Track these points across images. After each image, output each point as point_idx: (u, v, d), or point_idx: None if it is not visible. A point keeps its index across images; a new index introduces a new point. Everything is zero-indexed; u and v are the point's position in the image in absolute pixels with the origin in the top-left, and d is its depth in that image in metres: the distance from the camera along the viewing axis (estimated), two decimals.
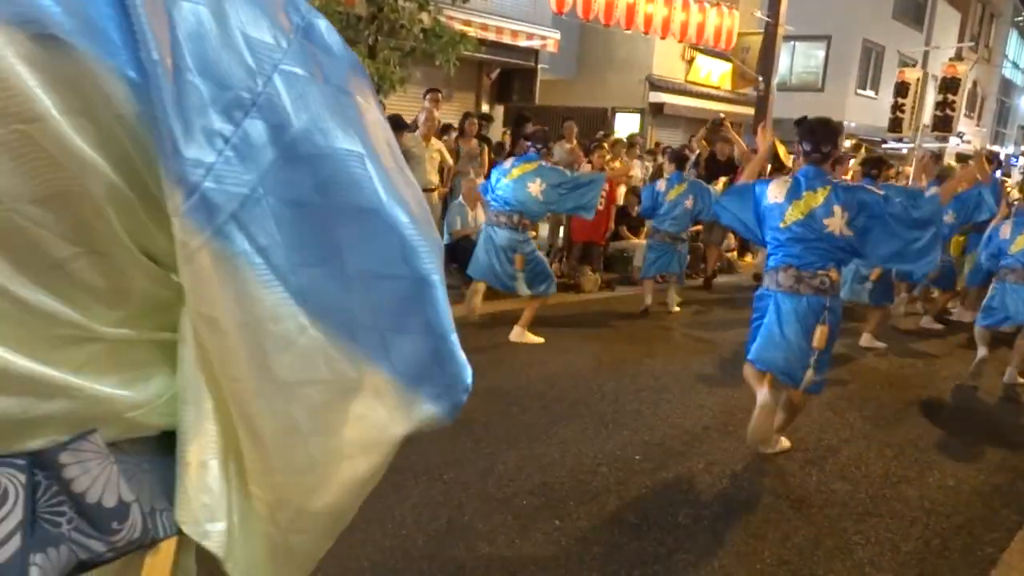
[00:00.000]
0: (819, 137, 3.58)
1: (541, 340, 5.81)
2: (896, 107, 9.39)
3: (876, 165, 6.40)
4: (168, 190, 0.57)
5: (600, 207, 7.85)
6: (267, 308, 0.61)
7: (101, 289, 0.60)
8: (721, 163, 9.63)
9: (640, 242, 8.88)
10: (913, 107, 9.16)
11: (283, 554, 0.72)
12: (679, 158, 7.73)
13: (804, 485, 3.64)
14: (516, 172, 5.55)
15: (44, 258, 0.56)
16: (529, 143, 5.91)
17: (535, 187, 5.48)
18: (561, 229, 8.74)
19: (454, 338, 0.73)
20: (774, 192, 3.62)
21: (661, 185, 7.39)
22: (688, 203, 7.22)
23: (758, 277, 8.13)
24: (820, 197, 3.49)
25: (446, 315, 0.71)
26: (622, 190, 9.25)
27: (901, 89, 9.37)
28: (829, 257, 3.52)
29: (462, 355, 0.74)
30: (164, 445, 0.71)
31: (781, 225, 3.56)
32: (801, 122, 3.75)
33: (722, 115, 7.99)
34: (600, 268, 8.49)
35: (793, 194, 3.55)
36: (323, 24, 0.67)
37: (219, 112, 0.57)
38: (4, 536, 0.57)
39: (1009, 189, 9.60)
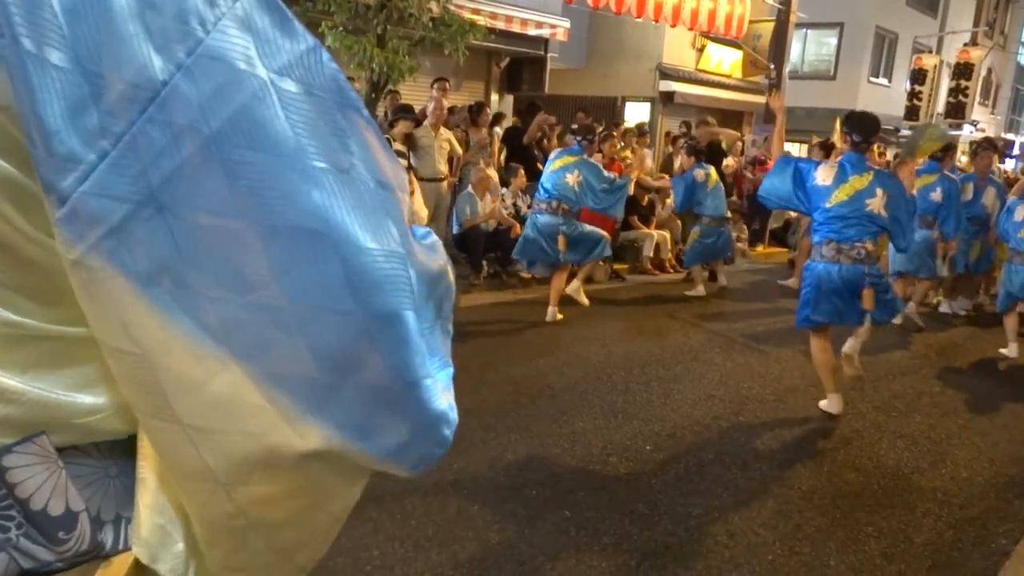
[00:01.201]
0: (868, 129, 4.19)
1: (587, 302, 6.41)
2: (913, 94, 9.25)
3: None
4: (44, 195, 0.49)
5: None
6: (161, 340, 0.52)
7: (27, 286, 0.55)
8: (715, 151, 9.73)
9: (650, 231, 8.84)
10: (930, 95, 9.03)
11: None
12: (712, 149, 8.22)
13: (815, 476, 3.61)
14: (558, 163, 5.94)
15: None
16: (576, 136, 6.18)
17: (572, 178, 5.85)
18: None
19: (429, 383, 0.60)
20: (822, 175, 4.18)
21: (700, 175, 7.67)
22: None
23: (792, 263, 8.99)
24: (865, 181, 4.10)
25: (414, 358, 0.59)
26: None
27: (918, 76, 9.24)
28: (866, 232, 4.08)
29: (440, 403, 0.62)
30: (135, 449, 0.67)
31: (826, 205, 4.12)
32: (851, 116, 4.37)
33: (709, 119, 8.40)
34: (610, 258, 8.44)
35: (840, 179, 4.12)
36: (266, 5, 0.56)
37: (105, 107, 0.48)
38: None
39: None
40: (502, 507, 3.04)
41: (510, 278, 7.55)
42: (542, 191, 6.02)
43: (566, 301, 6.31)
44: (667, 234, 9.06)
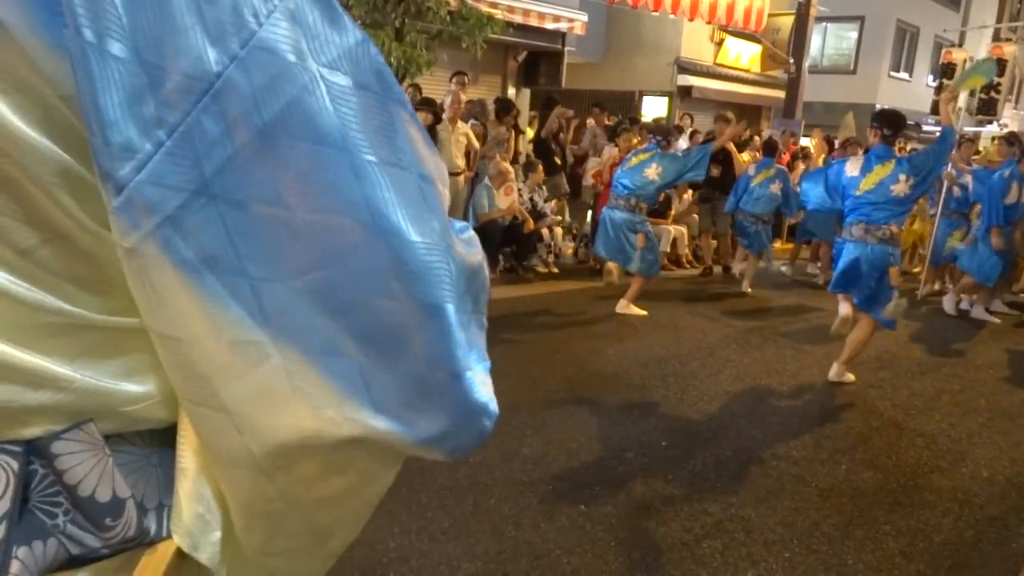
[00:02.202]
0: (898, 123, 4.75)
1: (644, 313, 6.38)
2: (940, 89, 9.08)
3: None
4: (101, 184, 0.51)
5: None
6: (210, 327, 0.53)
7: (81, 276, 0.56)
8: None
9: (667, 226, 8.80)
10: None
11: (268, 575, 0.68)
12: (773, 146, 8.32)
13: (833, 474, 3.59)
14: (635, 160, 6.16)
15: (11, 245, 0.52)
16: (652, 135, 6.43)
17: (652, 171, 6.04)
18: (589, 214, 8.68)
19: (470, 376, 0.61)
20: (851, 168, 4.76)
21: (750, 169, 7.84)
22: (775, 187, 7.69)
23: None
24: (888, 168, 4.59)
25: (455, 350, 0.59)
26: None
27: (946, 70, 9.07)
28: (892, 215, 4.58)
29: (481, 395, 0.63)
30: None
31: (856, 193, 4.67)
32: (882, 113, 4.98)
33: (728, 114, 8.35)
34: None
35: (866, 168, 4.66)
36: (316, 4, 0.57)
37: (161, 98, 0.49)
38: None
39: None
40: (518, 501, 3.05)
41: (526, 272, 7.55)
42: (620, 187, 6.18)
43: (565, 309, 6.25)
44: (684, 229, 9.02)
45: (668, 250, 8.78)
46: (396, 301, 0.56)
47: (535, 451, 3.53)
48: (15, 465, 0.56)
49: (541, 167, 7.90)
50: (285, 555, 0.66)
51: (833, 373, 4.98)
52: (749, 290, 7.80)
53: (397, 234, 0.55)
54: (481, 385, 0.62)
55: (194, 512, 0.63)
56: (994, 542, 3.07)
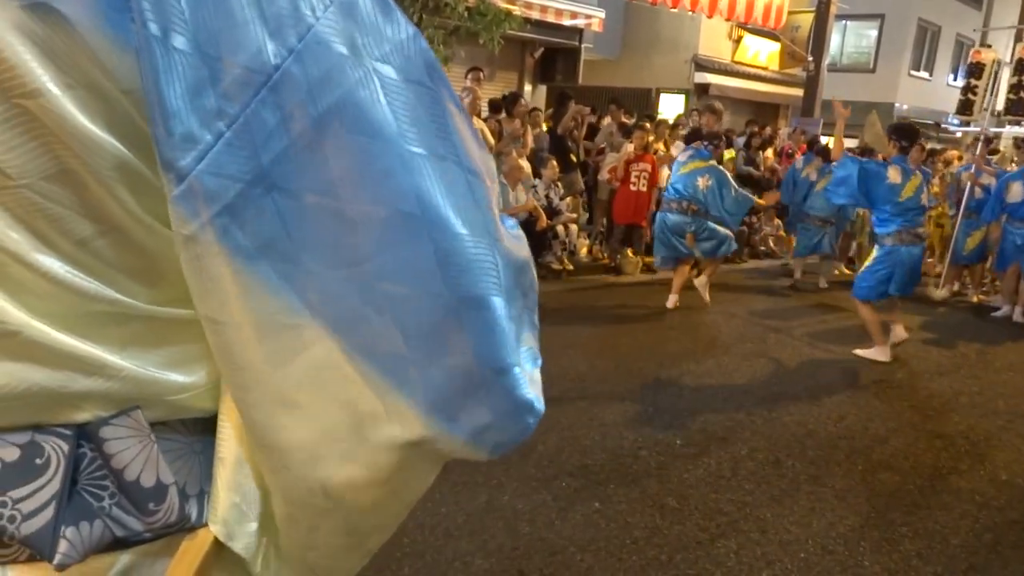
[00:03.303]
0: (913, 135, 5.46)
1: (708, 300, 6.74)
2: (968, 88, 8.96)
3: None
4: (161, 173, 0.52)
5: (643, 188, 7.83)
6: (263, 313, 0.55)
7: (133, 267, 0.58)
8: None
9: None
10: (986, 89, 8.73)
11: (306, 569, 0.69)
12: (823, 148, 8.54)
13: (850, 475, 3.57)
14: (690, 166, 6.40)
15: (69, 235, 0.54)
16: (704, 141, 6.61)
17: (703, 181, 6.34)
18: (602, 212, 8.66)
19: (518, 372, 0.61)
20: (893, 175, 5.18)
21: (812, 174, 8.11)
22: None
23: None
24: (920, 178, 5.28)
25: (504, 345, 0.59)
26: (665, 172, 9.12)
27: (975, 70, 8.94)
28: (923, 216, 5.45)
29: (527, 391, 0.62)
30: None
31: (899, 199, 5.15)
32: (899, 127, 5.72)
33: (716, 104, 8.68)
34: (642, 251, 8.38)
35: (905, 177, 5.20)
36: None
37: (221, 90, 0.51)
38: (39, 506, 0.57)
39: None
40: (532, 497, 3.05)
41: (540, 269, 7.54)
42: (673, 191, 6.46)
43: (580, 306, 6.27)
44: None
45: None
46: (442, 293, 0.56)
47: (549, 448, 3.53)
48: (66, 448, 0.59)
49: (555, 163, 7.88)
50: (324, 551, 0.67)
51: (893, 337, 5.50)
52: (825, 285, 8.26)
53: (444, 226, 0.56)
54: (529, 382, 0.62)
55: (231, 502, 0.65)
56: (1013, 545, 3.04)
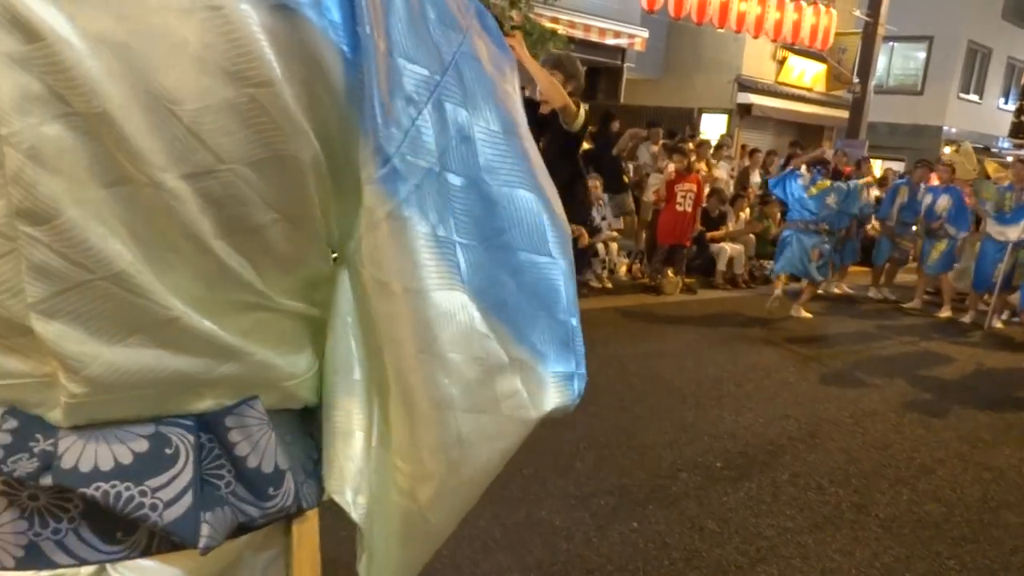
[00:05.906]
0: None
1: (810, 316, 7.41)
2: (1021, 111, 8.83)
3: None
4: (364, 159, 0.60)
5: (688, 209, 7.80)
6: (435, 280, 0.63)
7: (280, 257, 0.62)
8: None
9: (723, 245, 8.70)
10: None
11: (417, 531, 0.73)
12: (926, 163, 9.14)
13: (895, 504, 3.49)
14: (815, 189, 7.12)
15: (247, 221, 0.58)
16: (815, 166, 7.51)
17: (832, 200, 7.18)
18: (644, 232, 8.64)
19: (576, 323, 0.73)
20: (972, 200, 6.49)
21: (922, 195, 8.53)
22: (943, 203, 8.28)
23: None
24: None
25: (575, 300, 0.72)
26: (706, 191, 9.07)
27: None
28: None
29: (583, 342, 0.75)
30: (304, 421, 0.74)
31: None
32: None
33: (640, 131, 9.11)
34: (683, 271, 8.34)
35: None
36: (482, 8, 0.70)
37: (413, 91, 0.60)
38: (177, 493, 0.60)
39: None
40: (571, 514, 3.04)
41: (579, 287, 7.53)
42: (807, 213, 7.13)
43: (619, 324, 6.26)
44: (741, 248, 8.89)
45: (724, 269, 8.67)
46: (552, 261, 0.68)
47: (588, 466, 3.52)
48: (191, 438, 0.62)
49: (599, 182, 7.89)
50: (446, 510, 0.72)
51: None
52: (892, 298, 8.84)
53: (550, 201, 0.69)
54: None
55: (355, 469, 0.71)
56: None
